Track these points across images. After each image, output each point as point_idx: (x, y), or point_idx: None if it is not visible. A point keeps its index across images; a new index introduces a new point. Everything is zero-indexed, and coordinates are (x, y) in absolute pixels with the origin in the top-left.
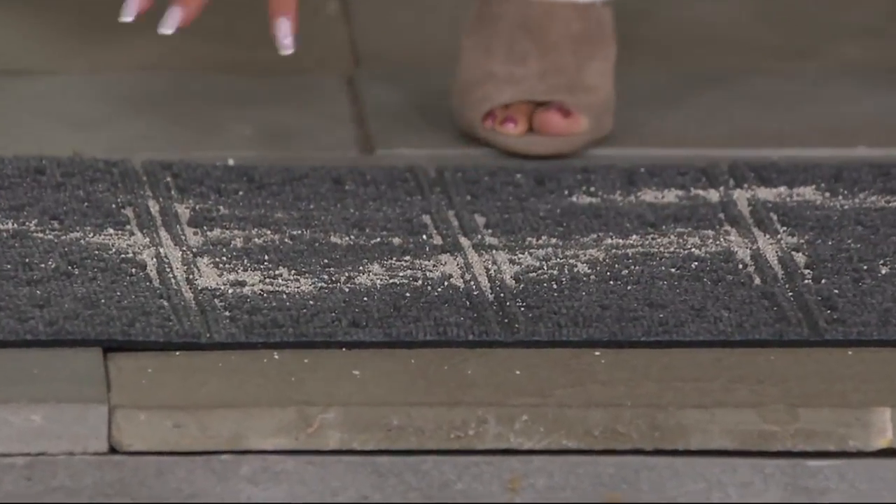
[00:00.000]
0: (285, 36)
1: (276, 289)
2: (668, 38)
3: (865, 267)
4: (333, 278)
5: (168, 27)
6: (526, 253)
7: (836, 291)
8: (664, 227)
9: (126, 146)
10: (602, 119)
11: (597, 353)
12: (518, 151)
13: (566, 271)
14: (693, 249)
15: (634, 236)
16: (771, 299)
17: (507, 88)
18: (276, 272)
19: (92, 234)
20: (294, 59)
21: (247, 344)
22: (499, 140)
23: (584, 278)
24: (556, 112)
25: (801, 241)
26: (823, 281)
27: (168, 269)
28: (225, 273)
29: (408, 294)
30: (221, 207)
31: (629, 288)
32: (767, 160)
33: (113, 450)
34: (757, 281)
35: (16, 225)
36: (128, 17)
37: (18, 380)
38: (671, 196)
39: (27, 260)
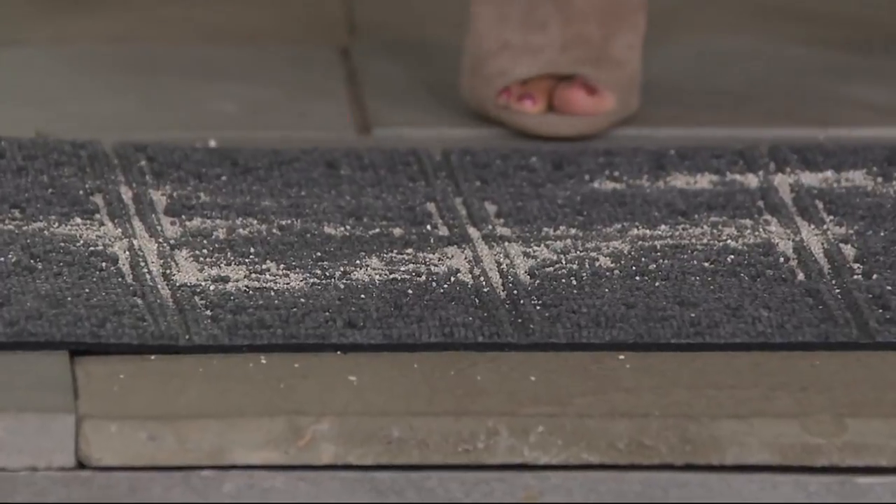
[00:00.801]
0: None
1: (264, 285)
2: (701, 7)
3: None
4: (327, 273)
5: None
6: (542, 245)
7: (889, 288)
8: (696, 216)
9: (95, 126)
10: (629, 96)
11: (621, 357)
12: (536, 132)
13: (587, 265)
14: (729, 241)
15: (663, 226)
16: (816, 297)
17: (525, 60)
18: (263, 266)
19: (57, 225)
20: (283, 28)
21: (230, 347)
22: (514, 119)
23: (607, 273)
24: (581, 88)
25: (850, 231)
26: (875, 276)
27: (142, 264)
28: (206, 268)
29: (410, 291)
30: (202, 194)
31: (657, 284)
32: (813, 141)
33: (81, 465)
34: (800, 276)
35: None
36: None
37: None
38: (704, 181)
39: None
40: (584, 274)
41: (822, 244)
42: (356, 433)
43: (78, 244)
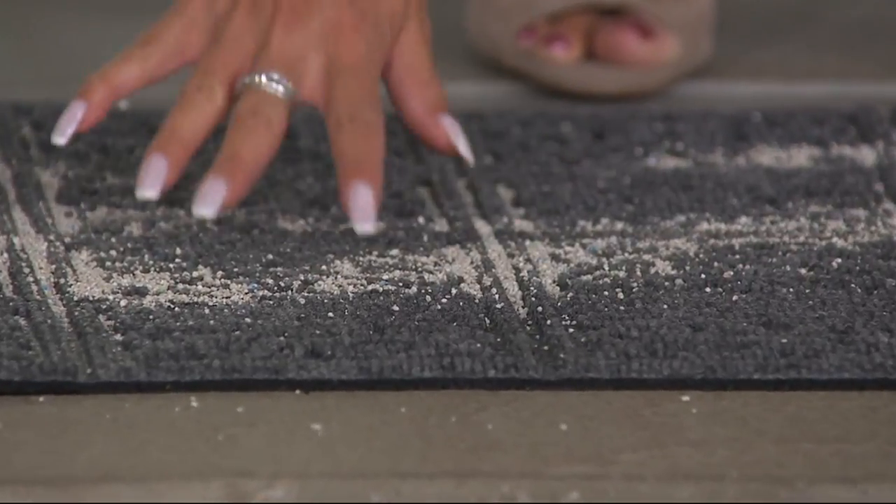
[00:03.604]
0: (364, 209)
1: (194, 300)
2: None
3: None
4: (282, 284)
5: (207, 207)
6: (577, 244)
7: None
8: (790, 204)
9: None
10: (697, 40)
11: (685, 399)
12: (569, 88)
13: (638, 273)
14: (835, 239)
15: (744, 219)
16: None
17: None
18: (194, 274)
19: None
20: None
21: (149, 384)
22: (540, 70)
23: (667, 283)
24: (632, 30)
25: None
26: None
27: (26, 270)
28: (115, 276)
29: (396, 307)
30: (108, 175)
31: (735, 298)
32: None
33: None
34: None
35: None
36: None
37: None
38: (801, 157)
39: None
40: (635, 284)
41: None
42: (322, 501)
43: None
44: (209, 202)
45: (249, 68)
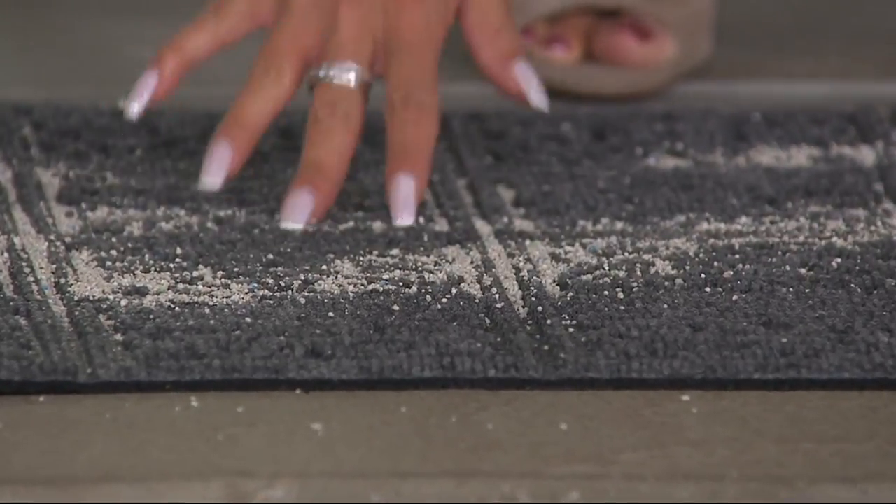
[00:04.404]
0: (406, 200)
1: (195, 299)
2: None
3: None
4: (282, 283)
5: (296, 220)
6: (577, 244)
7: None
8: (790, 204)
9: None
10: (696, 40)
11: (685, 399)
12: (569, 89)
13: (638, 272)
14: (834, 239)
15: (744, 219)
16: None
17: None
18: (195, 274)
19: None
20: None
21: (149, 384)
22: (539, 71)
23: (667, 283)
24: (630, 31)
25: None
26: None
27: (27, 270)
28: (115, 275)
29: (396, 307)
30: (109, 175)
31: (735, 298)
32: None
33: None
34: None
35: None
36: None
37: None
38: (801, 157)
39: None
40: (635, 284)
41: None
42: (322, 501)
43: None
44: (298, 215)
45: (318, 46)
